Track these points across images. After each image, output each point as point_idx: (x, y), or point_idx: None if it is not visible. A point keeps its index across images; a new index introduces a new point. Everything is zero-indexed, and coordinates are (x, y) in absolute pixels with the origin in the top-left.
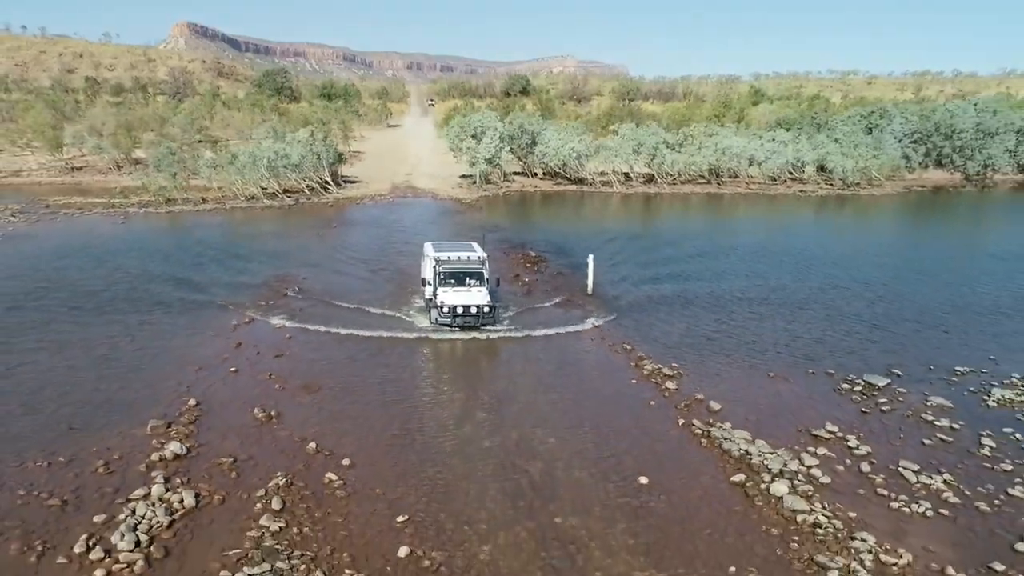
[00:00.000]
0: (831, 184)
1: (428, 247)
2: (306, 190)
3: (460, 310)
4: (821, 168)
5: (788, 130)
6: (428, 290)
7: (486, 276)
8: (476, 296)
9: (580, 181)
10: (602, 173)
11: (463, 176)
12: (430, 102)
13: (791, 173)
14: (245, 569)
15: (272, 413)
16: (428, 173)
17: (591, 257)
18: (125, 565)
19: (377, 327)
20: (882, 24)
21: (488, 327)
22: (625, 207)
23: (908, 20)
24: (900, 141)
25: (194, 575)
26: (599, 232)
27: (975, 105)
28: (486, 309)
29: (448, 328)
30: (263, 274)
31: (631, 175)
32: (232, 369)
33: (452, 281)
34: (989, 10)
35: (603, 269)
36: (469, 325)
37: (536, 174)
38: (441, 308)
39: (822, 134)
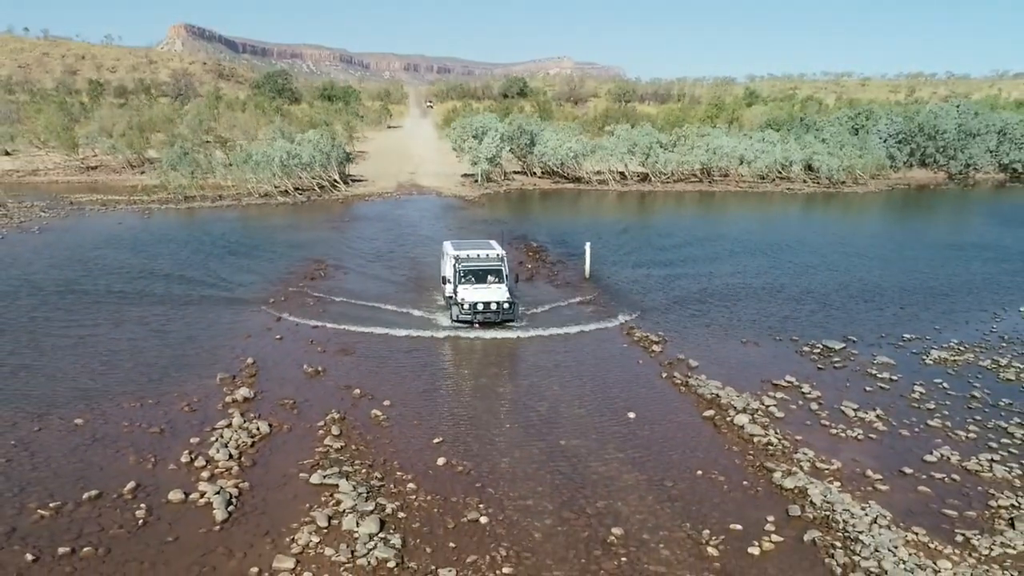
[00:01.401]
0: (817, 182)
1: (447, 246)
2: (316, 188)
3: (480, 306)
4: (808, 167)
5: (777, 130)
6: (448, 288)
7: (505, 273)
8: (496, 292)
9: (577, 180)
10: (598, 172)
11: (465, 175)
12: (429, 104)
13: (779, 172)
14: (319, 472)
15: (319, 368)
16: (431, 172)
17: (588, 244)
18: (224, 470)
19: (396, 324)
20: (876, 27)
21: (509, 323)
22: (620, 204)
23: (902, 23)
24: (885, 141)
25: (278, 476)
26: (595, 226)
27: (957, 107)
28: (506, 305)
29: (468, 325)
30: (287, 264)
31: (626, 174)
32: (277, 337)
33: (472, 278)
34: (983, 10)
35: (599, 257)
36: (489, 321)
37: (535, 173)
38: (461, 305)
39: (810, 134)
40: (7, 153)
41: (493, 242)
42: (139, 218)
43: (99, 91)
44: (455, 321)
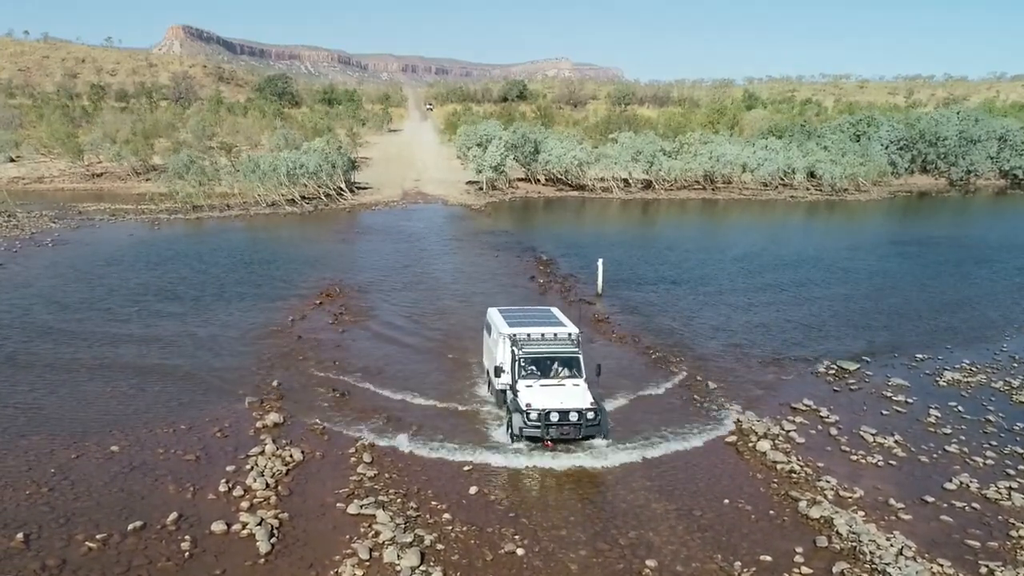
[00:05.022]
0: (820, 190)
1: (494, 315)
2: (323, 197)
3: (555, 416)
4: (811, 174)
5: (780, 138)
6: (501, 380)
7: (583, 362)
8: (574, 394)
9: (581, 187)
10: (602, 179)
11: (470, 182)
12: (428, 107)
13: (782, 179)
14: (356, 501)
15: (343, 392)
16: (435, 179)
17: (600, 261)
18: (263, 499)
19: (442, 436)
20: (874, 28)
21: (593, 438)
22: (625, 212)
23: (900, 25)
24: (887, 148)
25: (316, 506)
26: (602, 237)
27: (958, 114)
28: (590, 415)
29: (535, 442)
30: (302, 284)
31: (630, 181)
32: (300, 358)
33: (534, 369)
34: (980, 13)
35: (609, 272)
36: (567, 438)
37: (539, 180)
38: (526, 413)
39: (812, 141)
40: (12, 160)
41: (555, 310)
42: (148, 229)
43: (100, 95)
44: (517, 437)
